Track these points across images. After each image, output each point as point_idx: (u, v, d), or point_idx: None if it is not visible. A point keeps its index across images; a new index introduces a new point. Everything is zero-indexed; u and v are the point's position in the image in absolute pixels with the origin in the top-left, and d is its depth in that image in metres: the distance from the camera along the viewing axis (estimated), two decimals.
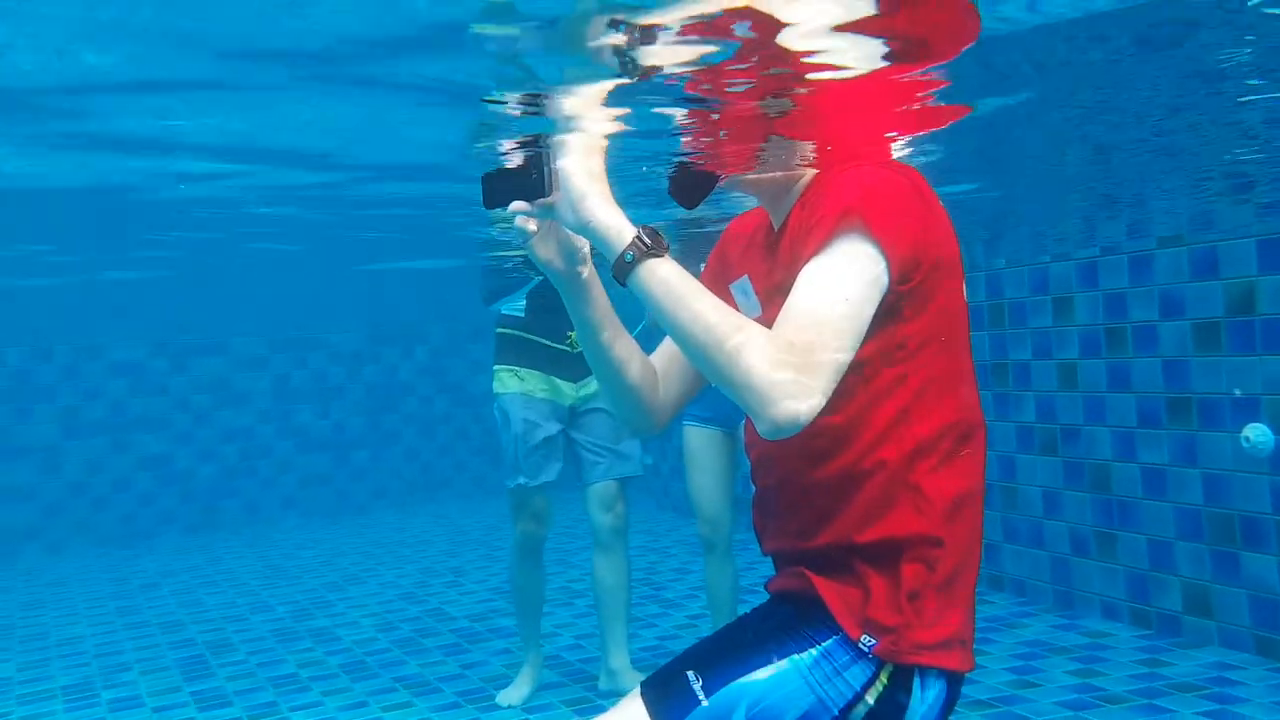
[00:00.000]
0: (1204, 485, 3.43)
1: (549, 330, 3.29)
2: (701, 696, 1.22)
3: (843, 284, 1.14)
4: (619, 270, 1.17)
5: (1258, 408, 3.24)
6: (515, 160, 1.38)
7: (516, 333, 3.32)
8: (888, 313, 1.18)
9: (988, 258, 4.18)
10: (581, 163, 1.22)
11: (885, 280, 1.17)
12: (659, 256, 1.16)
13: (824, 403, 1.10)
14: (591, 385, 3.34)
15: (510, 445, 3.28)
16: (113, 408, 6.85)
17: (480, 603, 4.68)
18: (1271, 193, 2.70)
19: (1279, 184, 2.57)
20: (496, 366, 3.35)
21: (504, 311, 3.37)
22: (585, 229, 1.20)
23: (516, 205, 1.23)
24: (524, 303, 3.33)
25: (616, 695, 3.31)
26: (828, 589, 1.24)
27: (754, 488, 1.42)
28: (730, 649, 1.27)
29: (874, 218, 1.16)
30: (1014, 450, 4.18)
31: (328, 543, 6.43)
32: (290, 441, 7.41)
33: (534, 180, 1.22)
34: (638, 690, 1.29)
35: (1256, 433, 3.22)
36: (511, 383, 3.29)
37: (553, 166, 1.22)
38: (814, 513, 1.27)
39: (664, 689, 1.25)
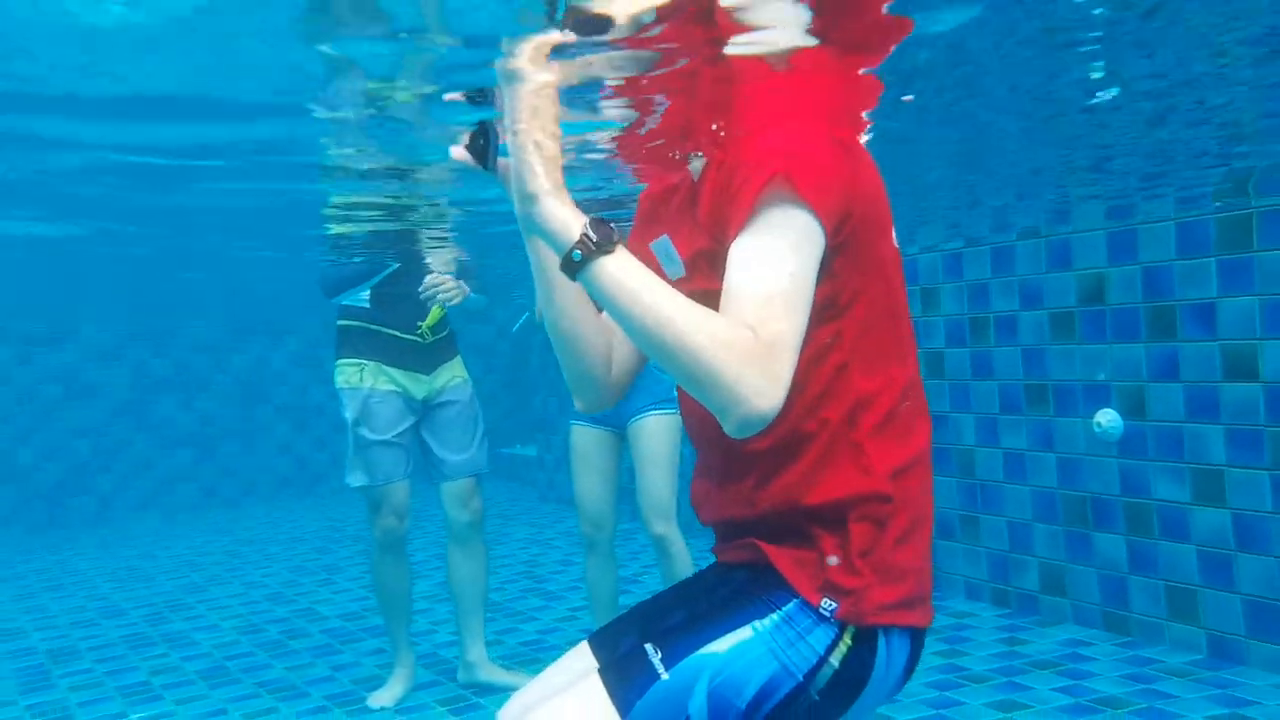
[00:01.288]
0: (1059, 468, 3.59)
1: (398, 321, 3.16)
2: (661, 670, 1.18)
3: (786, 257, 1.11)
4: (567, 268, 1.12)
5: (1108, 394, 3.41)
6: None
7: (361, 324, 3.17)
8: (819, 270, 1.15)
9: None
10: (528, 149, 1.13)
11: (821, 242, 1.14)
12: (609, 253, 1.10)
13: (787, 392, 1.07)
14: (443, 377, 3.24)
15: (353, 444, 3.14)
16: None
17: (354, 600, 4.51)
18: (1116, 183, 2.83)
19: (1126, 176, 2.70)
20: (339, 361, 3.20)
21: (345, 303, 3.22)
22: (530, 223, 1.14)
23: (459, 154, 1.23)
24: (368, 293, 3.18)
25: (474, 687, 3.28)
26: (781, 557, 1.21)
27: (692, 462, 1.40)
28: (688, 619, 1.23)
29: (801, 178, 1.12)
30: None
31: (189, 541, 6.09)
32: (149, 436, 6.98)
33: (480, 148, 1.21)
34: (590, 662, 1.26)
35: (1107, 418, 3.38)
36: (355, 377, 3.14)
37: (497, 141, 1.18)
38: (758, 479, 1.24)
39: (623, 667, 1.20)
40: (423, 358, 3.18)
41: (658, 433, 3.02)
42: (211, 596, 4.74)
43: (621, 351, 1.38)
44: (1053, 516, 3.62)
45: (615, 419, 3.10)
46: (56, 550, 6.01)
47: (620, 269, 1.10)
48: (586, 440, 3.12)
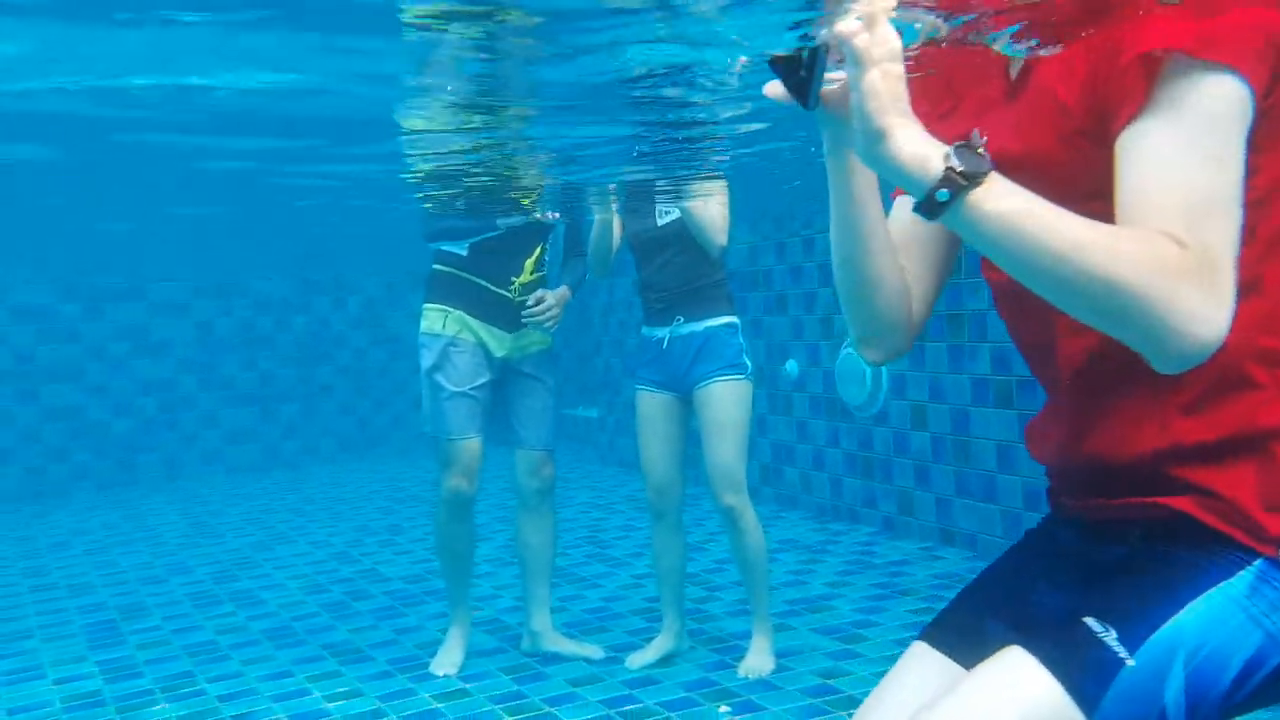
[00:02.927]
0: None
1: (492, 273, 3.05)
2: (1124, 654, 0.97)
3: (1204, 142, 0.90)
4: (930, 209, 0.93)
5: None
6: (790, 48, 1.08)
7: (454, 271, 3.08)
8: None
9: None
10: (872, 76, 0.93)
11: (1251, 111, 0.92)
12: (980, 184, 0.91)
13: (1233, 311, 0.88)
14: (526, 339, 3.13)
15: (428, 393, 3.06)
16: (17, 356, 6.42)
17: (417, 563, 4.48)
18: None
19: None
20: (426, 305, 3.11)
21: (443, 248, 3.13)
22: (879, 163, 0.96)
23: (774, 91, 1.02)
24: (468, 243, 3.08)
25: (538, 656, 3.20)
26: (1198, 507, 1.02)
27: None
28: (1127, 589, 1.02)
29: (1216, 35, 0.91)
30: (968, 403, 4.07)
31: (255, 500, 6.14)
32: (215, 393, 7.05)
33: (800, 80, 0.99)
34: (1014, 649, 1.01)
35: None
36: (438, 324, 3.05)
37: (824, 71, 0.99)
38: (1135, 414, 1.05)
39: (1064, 648, 0.99)
40: (508, 315, 3.07)
41: (726, 399, 2.87)
42: (277, 555, 4.75)
43: (922, 286, 1.20)
44: None
45: (681, 384, 2.96)
46: (126, 505, 6.11)
47: (1000, 201, 0.90)
48: (652, 406, 3.00)
